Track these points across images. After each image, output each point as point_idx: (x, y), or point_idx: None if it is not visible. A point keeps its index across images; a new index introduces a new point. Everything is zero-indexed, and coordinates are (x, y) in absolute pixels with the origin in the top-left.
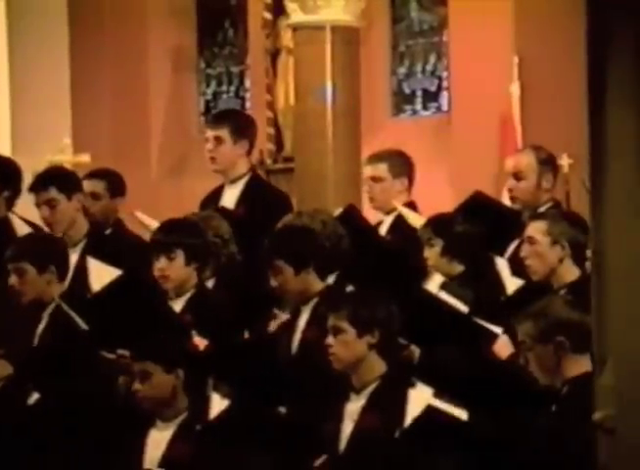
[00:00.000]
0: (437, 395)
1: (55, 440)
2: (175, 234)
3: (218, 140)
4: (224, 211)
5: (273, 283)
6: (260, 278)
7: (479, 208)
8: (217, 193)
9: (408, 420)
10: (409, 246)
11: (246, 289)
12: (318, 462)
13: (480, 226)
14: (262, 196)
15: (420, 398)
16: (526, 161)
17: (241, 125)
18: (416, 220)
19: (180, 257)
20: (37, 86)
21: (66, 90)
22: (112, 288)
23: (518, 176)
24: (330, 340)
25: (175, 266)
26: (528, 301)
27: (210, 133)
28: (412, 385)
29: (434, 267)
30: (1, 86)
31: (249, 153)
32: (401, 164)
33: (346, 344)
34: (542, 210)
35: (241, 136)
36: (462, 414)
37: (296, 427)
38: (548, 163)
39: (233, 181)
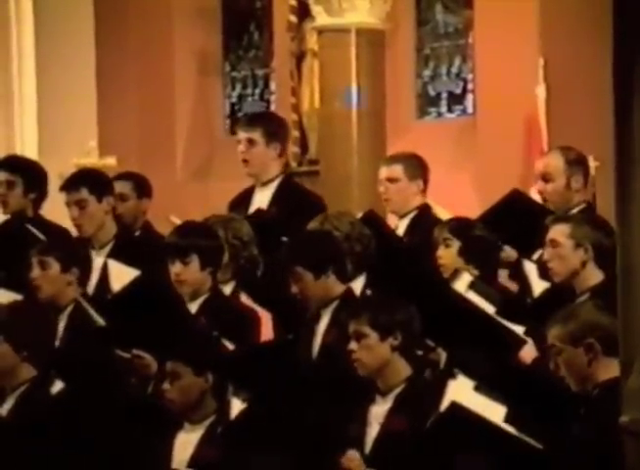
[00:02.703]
0: (478, 388)
1: (78, 439)
2: (190, 238)
3: (251, 142)
4: (259, 214)
5: (294, 289)
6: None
7: (517, 205)
8: (247, 195)
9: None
10: (428, 248)
11: (269, 292)
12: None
13: (504, 232)
14: (295, 198)
15: (458, 391)
16: (554, 162)
17: (273, 128)
18: (445, 216)
19: (195, 261)
20: (64, 89)
21: (92, 93)
22: (130, 287)
23: (546, 178)
24: (353, 346)
25: (190, 271)
26: (554, 303)
27: (243, 135)
28: (453, 376)
29: (446, 267)
30: (28, 90)
31: (281, 155)
32: (417, 167)
33: (369, 348)
34: (574, 211)
35: (273, 138)
36: (499, 412)
37: (318, 429)
38: (577, 163)
39: (265, 184)
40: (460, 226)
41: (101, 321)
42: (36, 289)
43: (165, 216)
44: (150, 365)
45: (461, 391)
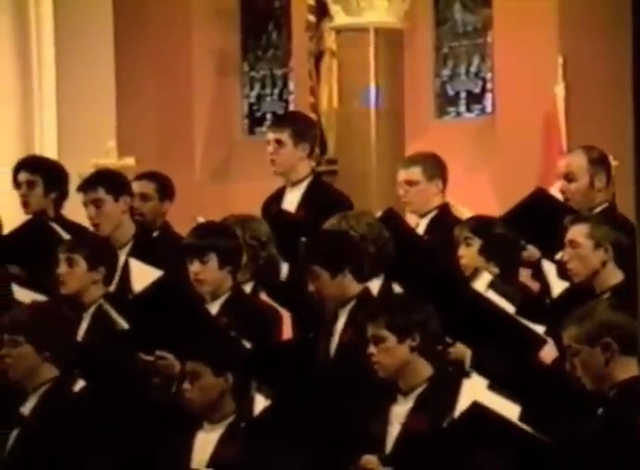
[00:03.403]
0: (492, 387)
1: (98, 438)
2: (208, 238)
3: (279, 143)
4: (284, 214)
5: (310, 288)
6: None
7: (540, 204)
8: (279, 195)
9: (457, 412)
10: (448, 247)
11: (288, 291)
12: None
13: (528, 231)
14: (324, 198)
15: (473, 389)
16: (577, 161)
17: (301, 128)
18: (466, 214)
19: (213, 260)
20: (83, 90)
21: (111, 93)
22: (153, 289)
23: (569, 177)
24: (372, 349)
25: (209, 270)
26: (574, 303)
27: (271, 136)
28: (467, 375)
29: (467, 267)
30: (48, 91)
31: (309, 155)
32: (435, 167)
33: (388, 351)
34: (597, 210)
35: (301, 139)
36: (513, 410)
37: (339, 428)
38: (600, 162)
39: (294, 184)
40: (481, 225)
41: (123, 324)
42: (61, 284)
43: (190, 217)
44: (173, 365)
45: (475, 390)
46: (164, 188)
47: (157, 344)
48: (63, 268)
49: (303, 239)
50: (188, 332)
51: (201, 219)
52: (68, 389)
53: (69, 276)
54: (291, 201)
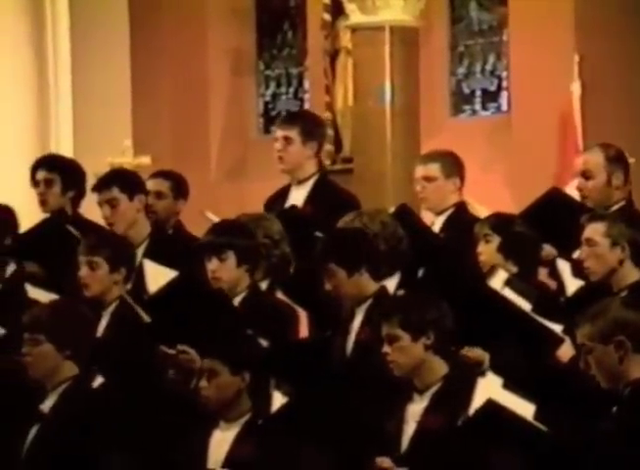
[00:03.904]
0: (507, 385)
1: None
2: (226, 236)
3: (287, 140)
4: (293, 211)
5: (327, 286)
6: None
7: (556, 203)
8: (283, 193)
9: (471, 410)
10: (464, 244)
11: (303, 291)
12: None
13: (545, 230)
14: (330, 197)
15: (487, 388)
16: (595, 159)
17: (310, 126)
18: (482, 213)
19: (231, 258)
20: (99, 89)
21: (126, 93)
22: (169, 288)
23: (586, 175)
24: (386, 348)
25: (226, 268)
26: (588, 301)
27: (280, 133)
28: (482, 373)
29: (485, 263)
30: (64, 90)
31: (317, 154)
32: (453, 165)
33: (403, 350)
34: (614, 208)
35: (310, 137)
36: (528, 409)
37: (356, 426)
38: (618, 160)
39: (300, 182)
40: (501, 222)
41: (146, 317)
42: (84, 287)
43: (200, 211)
44: (194, 360)
45: (490, 388)
46: (179, 187)
47: (179, 338)
48: (84, 271)
49: (319, 235)
50: (208, 329)
51: (209, 214)
52: (87, 386)
53: (92, 279)
54: (296, 199)
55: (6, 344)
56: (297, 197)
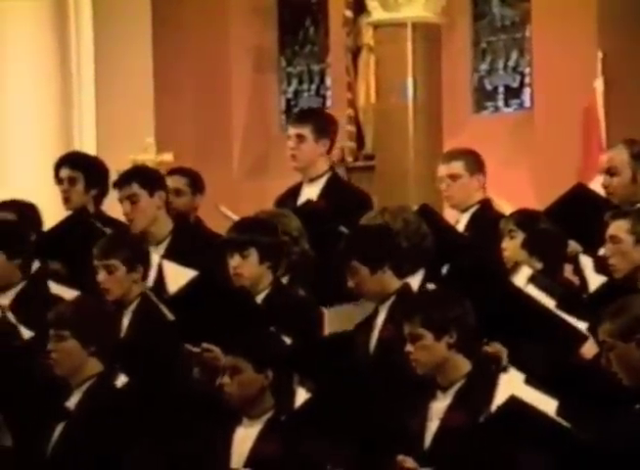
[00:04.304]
0: (529, 381)
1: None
2: (249, 232)
3: (300, 138)
4: (309, 205)
5: (350, 284)
6: (335, 276)
7: (581, 200)
8: (295, 191)
9: (494, 406)
10: (490, 240)
11: (319, 286)
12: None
13: (570, 227)
14: (342, 195)
15: (510, 384)
16: (619, 156)
17: (323, 124)
18: (508, 210)
19: (254, 255)
20: (122, 87)
21: (149, 90)
22: (191, 287)
23: (611, 172)
24: (409, 347)
25: (249, 264)
26: (611, 298)
27: (293, 131)
28: (504, 370)
29: (509, 259)
30: (86, 88)
31: (329, 152)
32: (476, 162)
33: (426, 348)
34: (639, 205)
35: (322, 135)
36: (551, 405)
37: (379, 424)
38: None
39: (312, 180)
40: (525, 218)
41: (170, 315)
42: (105, 292)
43: (215, 206)
44: (219, 358)
45: (512, 384)
46: (196, 182)
47: (203, 336)
48: (102, 276)
49: (343, 230)
50: (230, 326)
51: (223, 209)
52: (110, 384)
53: (111, 283)
54: (309, 197)
55: (33, 344)
56: (310, 194)
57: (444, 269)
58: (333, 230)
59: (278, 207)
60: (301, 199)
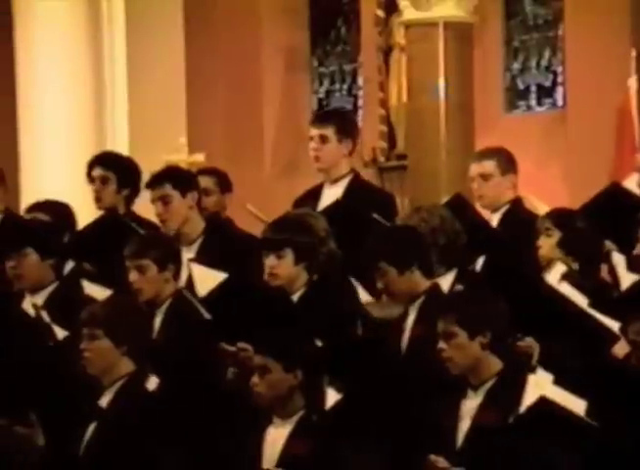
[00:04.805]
0: (557, 382)
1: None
2: (285, 233)
3: (323, 139)
4: (337, 206)
5: (378, 284)
6: (360, 279)
7: (616, 199)
8: (315, 193)
9: (523, 407)
10: (521, 239)
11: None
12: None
13: (605, 226)
14: (366, 195)
15: (538, 384)
16: None
17: (346, 125)
18: (541, 208)
19: (289, 255)
20: (154, 87)
21: (181, 90)
22: (225, 287)
23: None
24: (442, 345)
25: (284, 265)
26: None
27: (315, 132)
28: (532, 370)
29: (544, 257)
30: (119, 88)
31: (351, 153)
32: (508, 161)
33: (459, 347)
34: None
35: (345, 136)
36: (580, 405)
37: (411, 423)
38: None
39: (335, 181)
40: (562, 217)
41: (206, 314)
42: (137, 292)
43: (243, 206)
44: (253, 357)
45: (541, 385)
46: (223, 182)
47: (238, 335)
48: (134, 276)
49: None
50: (260, 326)
51: (251, 207)
52: (142, 385)
53: (143, 283)
54: (331, 198)
55: (67, 343)
56: (333, 196)
57: (478, 263)
58: (365, 220)
59: (298, 208)
60: (323, 200)
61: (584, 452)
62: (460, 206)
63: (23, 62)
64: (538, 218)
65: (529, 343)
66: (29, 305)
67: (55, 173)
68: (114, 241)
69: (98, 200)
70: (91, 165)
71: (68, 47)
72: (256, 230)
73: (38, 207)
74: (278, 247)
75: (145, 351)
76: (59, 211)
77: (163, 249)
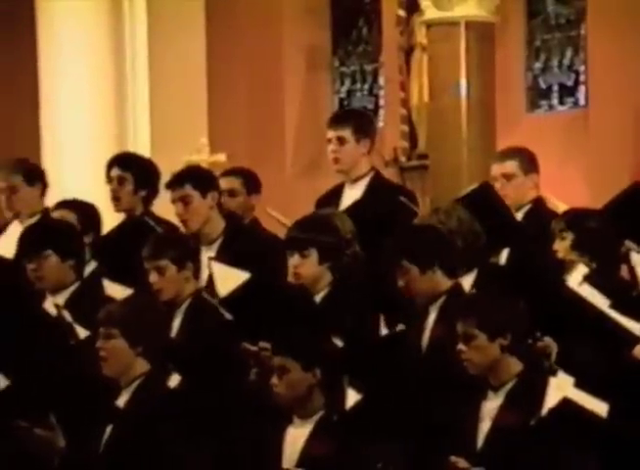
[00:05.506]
0: (579, 384)
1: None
2: (310, 232)
3: (341, 140)
4: (355, 207)
5: (400, 283)
6: (383, 278)
7: (636, 198)
8: (337, 193)
9: (545, 409)
10: (544, 238)
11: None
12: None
13: (626, 226)
14: (387, 194)
15: (560, 387)
16: None
17: (363, 125)
18: (562, 208)
19: (313, 254)
20: (175, 87)
21: (202, 90)
22: (246, 287)
23: None
24: (461, 346)
25: (308, 264)
26: None
27: (333, 134)
28: (554, 373)
29: (564, 260)
30: (141, 89)
31: (370, 152)
32: (530, 161)
33: (479, 349)
34: None
35: (363, 135)
36: (601, 408)
37: (429, 424)
38: None
39: (355, 181)
40: (575, 218)
41: (226, 314)
42: (157, 293)
43: (264, 209)
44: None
45: (562, 387)
46: (251, 182)
47: (260, 334)
48: (154, 278)
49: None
50: (279, 326)
51: (272, 211)
52: (161, 384)
53: (163, 283)
54: (352, 198)
55: (87, 343)
56: (353, 196)
57: (502, 256)
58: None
59: (319, 208)
60: (344, 200)
61: (606, 455)
62: (487, 195)
63: (46, 61)
64: (553, 220)
65: (548, 342)
66: (51, 304)
67: (76, 173)
68: (137, 243)
69: (116, 200)
70: (110, 166)
71: (90, 48)
72: (282, 232)
73: (66, 205)
74: (302, 246)
75: (162, 351)
76: (85, 211)
77: (180, 248)
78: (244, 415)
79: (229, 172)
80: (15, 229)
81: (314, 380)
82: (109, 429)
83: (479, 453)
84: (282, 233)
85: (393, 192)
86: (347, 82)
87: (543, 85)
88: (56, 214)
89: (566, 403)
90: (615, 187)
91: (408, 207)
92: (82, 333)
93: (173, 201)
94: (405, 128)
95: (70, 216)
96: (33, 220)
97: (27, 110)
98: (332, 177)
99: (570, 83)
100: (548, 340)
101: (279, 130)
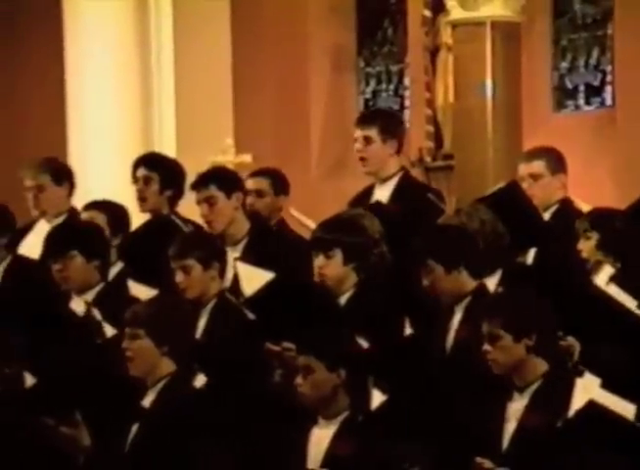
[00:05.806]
0: (605, 385)
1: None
2: (335, 233)
3: (367, 140)
4: (379, 207)
5: (425, 282)
6: (410, 278)
7: None
8: (367, 193)
9: (572, 411)
10: (570, 239)
11: (396, 288)
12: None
13: None
14: (415, 194)
15: (586, 388)
16: None
17: (389, 125)
18: (586, 209)
19: (338, 255)
20: (201, 88)
21: (228, 91)
22: (271, 287)
23: None
24: (487, 347)
25: (333, 265)
26: None
27: (359, 133)
28: (580, 374)
29: (590, 260)
30: (166, 90)
31: (398, 152)
32: (557, 161)
33: (504, 349)
34: None
35: (390, 135)
36: (629, 410)
37: (457, 425)
38: None
39: (384, 181)
40: (599, 218)
41: (250, 314)
42: (183, 292)
43: (287, 210)
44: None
45: (588, 388)
46: (279, 183)
47: (283, 335)
48: (180, 277)
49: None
50: (305, 325)
51: (294, 212)
52: (186, 384)
53: (189, 282)
54: (381, 198)
55: (114, 342)
56: (381, 196)
57: (529, 256)
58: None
59: (352, 208)
60: (373, 200)
61: (635, 457)
62: (514, 194)
63: (72, 56)
64: (577, 221)
65: (570, 342)
66: (77, 304)
67: (103, 174)
68: (164, 242)
69: (142, 200)
70: (136, 166)
71: (115, 46)
72: (306, 233)
73: (95, 205)
74: (327, 247)
75: (187, 351)
76: (115, 212)
77: (206, 247)
78: (268, 416)
79: (257, 173)
80: (41, 228)
81: (339, 380)
82: (134, 428)
83: (504, 454)
84: (306, 234)
85: (421, 190)
86: (373, 83)
87: (569, 85)
88: (86, 215)
89: (592, 406)
90: None
91: (436, 204)
92: (110, 331)
93: (198, 202)
94: (431, 129)
95: (100, 217)
96: (60, 220)
97: (54, 106)
98: (357, 178)
99: (596, 83)
100: (571, 339)
101: (304, 131)
